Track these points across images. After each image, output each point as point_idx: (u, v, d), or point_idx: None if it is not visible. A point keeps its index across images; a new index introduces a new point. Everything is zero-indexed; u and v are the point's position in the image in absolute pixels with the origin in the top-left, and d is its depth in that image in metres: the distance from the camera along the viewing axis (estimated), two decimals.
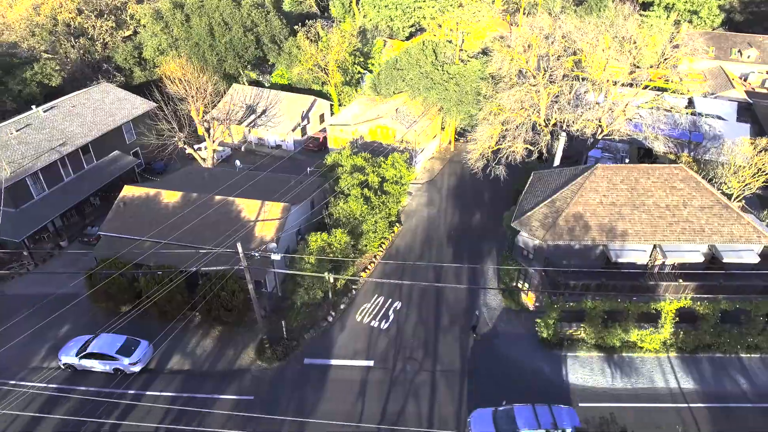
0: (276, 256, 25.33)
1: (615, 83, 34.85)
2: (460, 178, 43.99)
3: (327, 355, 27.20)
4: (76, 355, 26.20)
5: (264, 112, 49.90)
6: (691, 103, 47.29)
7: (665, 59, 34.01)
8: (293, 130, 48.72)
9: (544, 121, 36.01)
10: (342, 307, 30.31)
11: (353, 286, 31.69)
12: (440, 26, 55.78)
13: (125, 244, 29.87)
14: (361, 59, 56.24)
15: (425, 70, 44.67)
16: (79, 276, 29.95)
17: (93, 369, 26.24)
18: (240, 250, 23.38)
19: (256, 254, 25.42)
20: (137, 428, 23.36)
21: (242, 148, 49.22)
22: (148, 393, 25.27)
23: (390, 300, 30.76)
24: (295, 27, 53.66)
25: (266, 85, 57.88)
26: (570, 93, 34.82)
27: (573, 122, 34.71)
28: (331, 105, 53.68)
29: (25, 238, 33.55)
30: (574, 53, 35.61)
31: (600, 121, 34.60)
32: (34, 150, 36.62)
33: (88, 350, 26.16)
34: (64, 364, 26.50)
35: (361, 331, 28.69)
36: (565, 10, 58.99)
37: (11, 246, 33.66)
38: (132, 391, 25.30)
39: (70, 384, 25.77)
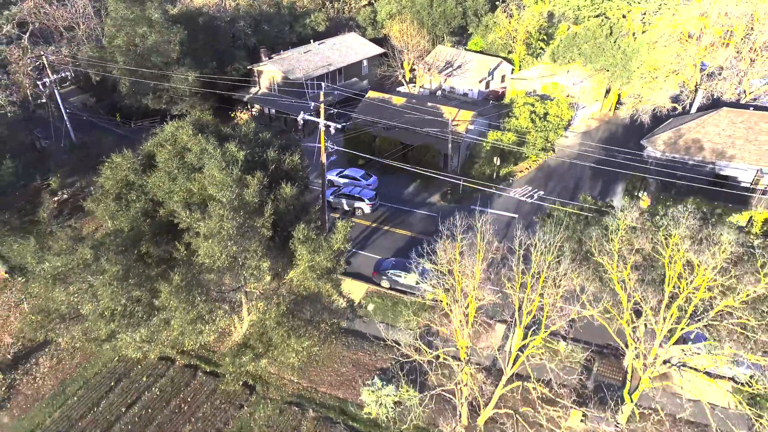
0: (471, 126, 40.10)
1: None
2: (613, 133, 54.17)
3: (487, 207, 41.27)
4: (336, 175, 44.26)
5: (459, 67, 65.30)
6: None
7: None
8: (480, 82, 63.28)
9: (695, 85, 44.88)
10: (501, 186, 44.05)
11: (511, 178, 45.15)
12: (624, 17, 65.19)
13: (367, 124, 47.48)
14: (545, 37, 68.37)
15: (599, 41, 55.49)
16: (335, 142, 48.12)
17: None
18: (450, 119, 38.60)
19: (469, 124, 40.47)
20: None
21: (437, 93, 65.28)
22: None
23: (537, 189, 43.60)
24: (496, 3, 67.97)
25: None
26: (723, 61, 43.25)
27: (723, 89, 42.99)
28: (512, 69, 66.96)
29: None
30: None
31: (743, 86, 42.59)
32: (313, 65, 56.93)
33: (344, 173, 44.03)
34: (327, 181, 44.74)
35: (513, 201, 42.15)
36: None
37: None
38: None
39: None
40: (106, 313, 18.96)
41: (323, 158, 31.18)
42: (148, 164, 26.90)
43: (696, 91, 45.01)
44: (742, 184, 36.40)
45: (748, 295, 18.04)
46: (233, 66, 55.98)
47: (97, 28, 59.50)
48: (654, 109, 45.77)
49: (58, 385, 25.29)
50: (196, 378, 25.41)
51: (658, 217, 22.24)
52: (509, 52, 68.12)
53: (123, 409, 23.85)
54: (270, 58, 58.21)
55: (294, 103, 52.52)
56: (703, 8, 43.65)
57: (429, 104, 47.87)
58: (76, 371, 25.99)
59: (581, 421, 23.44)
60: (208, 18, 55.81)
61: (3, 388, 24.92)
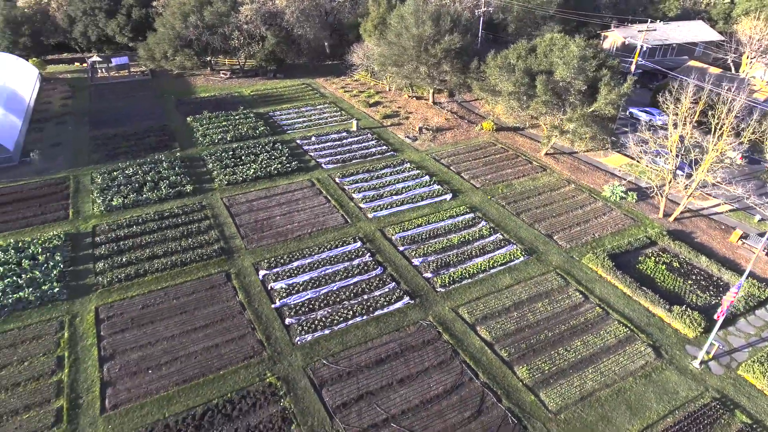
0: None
1: None
2: None
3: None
4: (638, 110, 61.61)
5: None
6: None
7: None
8: None
9: None
10: None
11: None
12: None
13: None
14: None
15: None
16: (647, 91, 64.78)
17: None
18: (753, 86, 51.60)
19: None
20: None
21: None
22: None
23: None
24: None
25: None
26: None
27: None
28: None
29: (626, 39, 71.35)
30: None
31: None
32: (651, 37, 73.36)
33: (645, 109, 61.09)
34: (630, 112, 62.57)
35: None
36: None
37: None
38: None
39: None
40: (510, 89, 44.94)
41: (632, 68, 50.33)
42: (530, 50, 51.38)
43: None
44: None
45: None
46: (586, 28, 77.12)
47: None
48: None
49: (451, 143, 53.75)
50: (507, 151, 50.36)
51: None
52: None
53: (472, 159, 50.31)
54: (617, 27, 77.09)
55: (621, 57, 70.87)
56: None
57: (740, 77, 59.60)
58: (458, 140, 54.41)
59: (739, 239, 37.76)
60: None
61: (432, 136, 54.43)
